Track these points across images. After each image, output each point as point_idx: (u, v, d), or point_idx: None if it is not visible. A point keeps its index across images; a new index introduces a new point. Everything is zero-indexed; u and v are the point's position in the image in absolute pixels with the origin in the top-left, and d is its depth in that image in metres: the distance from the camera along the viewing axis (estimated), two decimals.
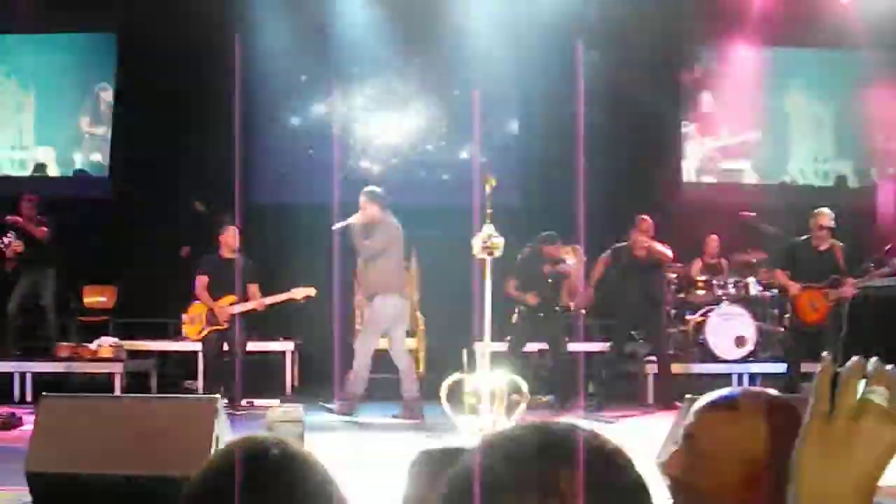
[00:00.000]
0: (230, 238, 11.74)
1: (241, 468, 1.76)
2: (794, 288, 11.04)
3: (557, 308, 11.98)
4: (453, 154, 15.13)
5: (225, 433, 5.86)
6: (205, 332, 11.54)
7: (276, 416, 7.55)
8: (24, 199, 12.85)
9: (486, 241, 8.46)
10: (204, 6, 13.82)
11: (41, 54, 15.69)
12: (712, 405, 2.19)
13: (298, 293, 11.50)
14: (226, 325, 11.45)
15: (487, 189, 8.52)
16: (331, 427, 9.98)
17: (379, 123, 15.25)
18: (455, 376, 8.91)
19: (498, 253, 8.53)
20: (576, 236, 11.94)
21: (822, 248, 11.03)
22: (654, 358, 12.05)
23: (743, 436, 2.08)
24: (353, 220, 10.71)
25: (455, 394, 8.79)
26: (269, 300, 11.52)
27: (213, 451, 5.66)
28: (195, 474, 1.87)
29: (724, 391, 2.18)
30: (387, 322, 10.85)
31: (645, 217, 11.67)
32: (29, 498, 5.77)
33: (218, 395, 6.05)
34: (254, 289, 11.59)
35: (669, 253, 11.71)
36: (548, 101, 14.21)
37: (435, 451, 2.75)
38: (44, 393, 6.62)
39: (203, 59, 13.79)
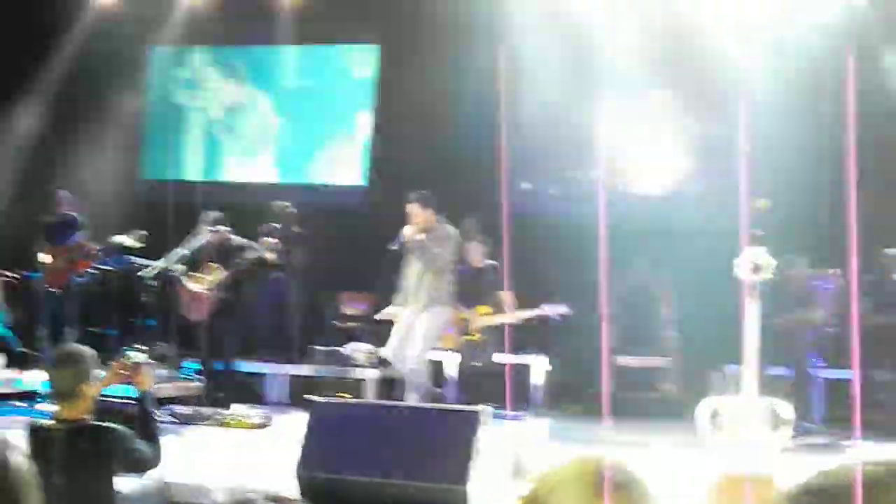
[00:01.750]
0: (476, 248, 11.80)
1: None
2: None
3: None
4: (716, 174, 14.72)
5: (488, 444, 5.84)
6: (459, 343, 11.61)
7: None
8: (281, 207, 13.20)
9: (754, 262, 8.22)
10: (463, 17, 13.91)
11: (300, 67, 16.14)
12: None
13: (551, 310, 11.45)
14: (478, 337, 11.49)
15: (758, 210, 8.30)
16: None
17: (640, 142, 15.03)
18: (714, 398, 8.69)
19: (767, 275, 8.29)
20: (839, 259, 11.56)
21: None
22: None
23: None
24: (411, 231, 10.33)
25: (714, 417, 8.57)
26: (521, 315, 11.50)
27: (473, 462, 5.65)
28: None
29: None
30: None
31: None
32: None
33: (483, 407, 6.02)
34: (508, 297, 11.60)
35: None
36: (815, 116, 13.76)
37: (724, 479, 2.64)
38: (312, 397, 6.73)
39: (463, 68, 13.87)
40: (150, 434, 5.47)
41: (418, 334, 10.24)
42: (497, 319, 11.53)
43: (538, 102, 14.51)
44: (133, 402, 5.87)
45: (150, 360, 5.69)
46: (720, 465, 6.95)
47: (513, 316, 11.51)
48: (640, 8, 14.09)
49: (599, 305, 12.65)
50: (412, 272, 10.45)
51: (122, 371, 5.62)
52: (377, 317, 11.17)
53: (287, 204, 13.34)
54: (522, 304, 11.71)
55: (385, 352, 10.73)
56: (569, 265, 12.46)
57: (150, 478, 6.45)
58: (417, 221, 10.28)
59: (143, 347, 5.77)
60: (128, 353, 5.64)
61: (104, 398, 6.08)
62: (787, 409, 8.63)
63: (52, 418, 5.22)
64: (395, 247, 10.36)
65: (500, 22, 13.67)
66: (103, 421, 5.29)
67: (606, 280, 11.88)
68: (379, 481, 5.81)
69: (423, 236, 10.28)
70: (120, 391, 6.19)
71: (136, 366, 5.60)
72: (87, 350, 5.40)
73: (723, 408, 8.45)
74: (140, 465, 5.42)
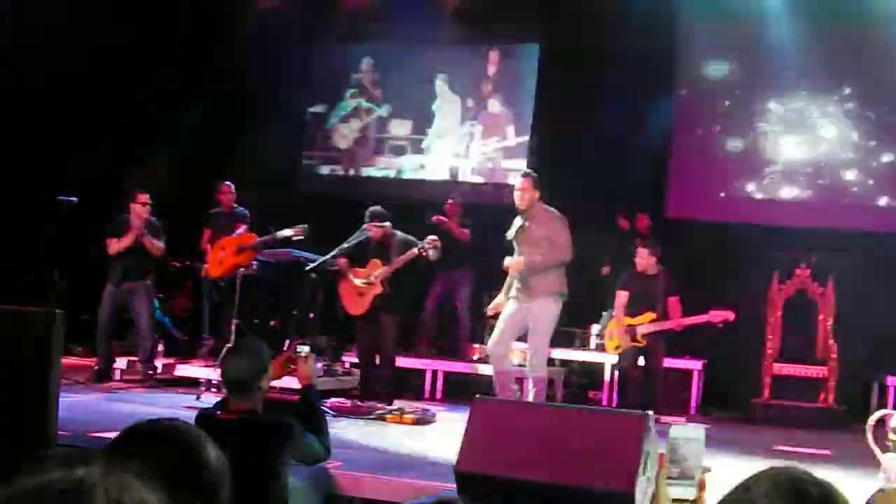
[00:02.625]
0: (647, 254, 11.75)
1: None
2: None
3: None
4: (877, 179, 14.36)
5: (655, 449, 5.79)
6: (624, 348, 11.58)
7: (678, 434, 7.36)
8: (449, 200, 13.35)
9: None
10: (625, 5, 13.90)
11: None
12: None
13: (717, 316, 11.35)
14: (644, 342, 11.46)
15: None
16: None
17: (795, 144, 14.76)
18: (883, 411, 8.53)
19: None
20: None
21: None
22: None
23: None
24: (524, 221, 10.26)
25: (881, 428, 8.41)
26: (687, 321, 11.43)
27: (640, 467, 5.61)
28: None
29: None
30: None
31: None
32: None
33: (649, 412, 5.97)
34: (674, 302, 11.54)
35: None
36: None
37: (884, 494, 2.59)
38: (474, 394, 6.77)
39: (620, 62, 13.84)
40: (317, 427, 5.54)
41: (530, 331, 10.19)
42: (663, 326, 11.48)
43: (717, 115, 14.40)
44: (296, 394, 5.96)
45: (313, 354, 5.75)
46: (884, 479, 6.83)
47: (678, 322, 11.46)
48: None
49: (762, 312, 12.56)
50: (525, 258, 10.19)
51: (287, 364, 5.71)
52: (487, 311, 11.09)
53: (458, 199, 13.47)
54: (688, 308, 11.63)
55: (487, 347, 10.73)
56: (734, 270, 12.38)
57: (313, 470, 6.56)
58: (524, 199, 10.15)
59: (306, 341, 5.83)
60: (294, 346, 5.73)
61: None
62: None
63: (222, 409, 5.30)
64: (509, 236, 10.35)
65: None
66: (269, 413, 5.37)
67: (773, 286, 11.79)
68: (539, 482, 5.79)
69: (529, 223, 10.14)
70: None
71: (301, 359, 5.68)
72: (263, 344, 5.50)
73: (891, 420, 8.29)
74: (310, 459, 5.50)
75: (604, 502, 5.59)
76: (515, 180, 10.55)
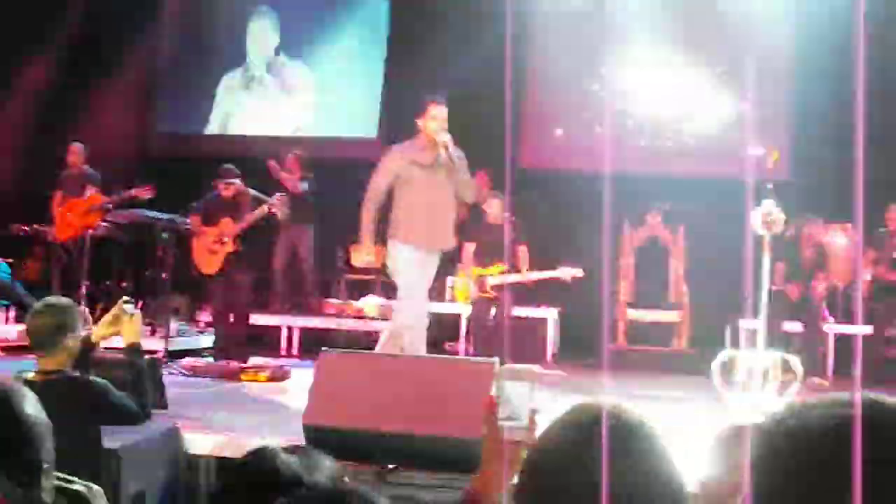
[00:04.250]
0: (493, 206, 11.82)
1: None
2: None
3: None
4: (724, 126, 14.65)
5: (500, 396, 5.84)
6: (474, 297, 11.66)
7: (506, 375, 7.34)
8: (289, 155, 13.20)
9: (767, 216, 8.23)
10: None
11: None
12: None
13: (565, 273, 11.47)
14: (494, 293, 11.54)
15: (771, 163, 8.29)
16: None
17: (649, 93, 14.94)
18: (727, 352, 8.73)
19: (777, 229, 8.30)
20: (850, 215, 11.51)
21: None
22: None
23: None
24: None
25: (726, 370, 8.60)
26: (535, 276, 11.54)
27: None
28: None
29: None
30: None
31: None
32: None
33: (496, 359, 6.02)
34: (522, 252, 11.64)
35: None
36: (824, 70, 13.64)
37: (731, 429, 2.65)
38: (323, 348, 6.75)
39: (473, 30, 13.86)
40: (140, 388, 5.39)
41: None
42: (511, 278, 11.56)
43: (552, 58, 14.49)
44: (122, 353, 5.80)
45: (136, 311, 5.59)
46: (730, 416, 6.96)
47: (527, 276, 11.55)
48: None
49: (612, 260, 12.74)
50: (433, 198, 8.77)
51: (113, 323, 5.56)
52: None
53: (300, 153, 13.34)
54: (539, 261, 11.73)
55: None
56: (587, 219, 12.50)
57: (165, 429, 6.49)
58: (443, 129, 8.65)
59: (131, 300, 5.63)
60: (120, 304, 5.56)
61: (104, 351, 6.10)
62: (796, 363, 8.67)
63: (35, 370, 5.18)
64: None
65: None
66: (98, 374, 5.28)
67: (609, 234, 11.97)
68: (390, 432, 5.81)
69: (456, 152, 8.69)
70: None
71: (127, 317, 5.51)
72: (68, 302, 5.38)
73: (735, 361, 8.50)
74: (122, 419, 5.34)
75: (453, 450, 5.61)
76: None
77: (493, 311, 11.58)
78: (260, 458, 2.36)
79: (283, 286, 13.46)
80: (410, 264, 8.68)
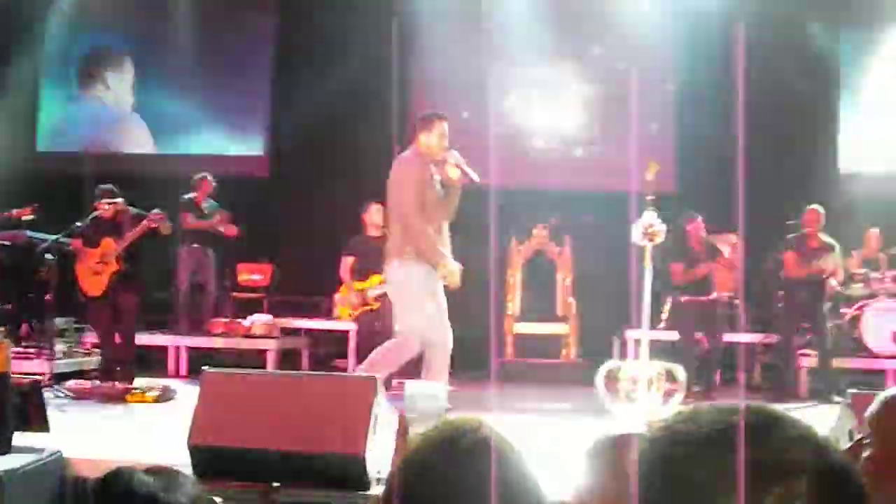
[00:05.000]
0: (373, 215, 11.85)
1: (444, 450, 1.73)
2: None
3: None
4: (609, 140, 14.81)
5: (384, 412, 5.85)
6: (357, 312, 11.64)
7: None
8: (205, 179, 13.03)
9: (648, 228, 8.35)
10: None
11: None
12: None
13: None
14: (378, 305, 11.52)
15: (650, 175, 8.41)
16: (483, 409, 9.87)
17: (535, 108, 15.06)
18: (612, 363, 8.83)
19: (659, 240, 8.43)
20: (734, 224, 11.71)
21: None
22: (809, 351, 11.78)
23: None
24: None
25: (611, 380, 8.69)
26: None
27: (370, 430, 5.67)
28: (405, 455, 1.86)
29: None
30: None
31: (814, 207, 11.43)
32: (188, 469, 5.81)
33: (377, 375, 6.03)
34: None
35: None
36: (704, 84, 13.88)
37: (609, 438, 2.68)
38: (205, 367, 6.70)
39: (359, 45, 13.89)
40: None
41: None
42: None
43: (435, 65, 14.55)
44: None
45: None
46: (607, 427, 7.04)
47: None
48: None
49: (499, 274, 12.81)
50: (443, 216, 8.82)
51: None
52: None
53: (204, 175, 13.15)
54: None
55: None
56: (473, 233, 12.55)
57: (49, 453, 6.38)
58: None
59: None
60: None
61: None
62: (680, 372, 8.80)
63: None
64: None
65: None
66: None
67: (512, 247, 12.02)
68: (272, 451, 5.79)
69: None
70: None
71: None
72: None
73: (619, 372, 8.60)
74: None
75: (337, 466, 5.61)
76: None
77: (376, 323, 11.55)
78: (115, 479, 2.35)
79: (187, 307, 13.29)
80: (435, 282, 8.63)
